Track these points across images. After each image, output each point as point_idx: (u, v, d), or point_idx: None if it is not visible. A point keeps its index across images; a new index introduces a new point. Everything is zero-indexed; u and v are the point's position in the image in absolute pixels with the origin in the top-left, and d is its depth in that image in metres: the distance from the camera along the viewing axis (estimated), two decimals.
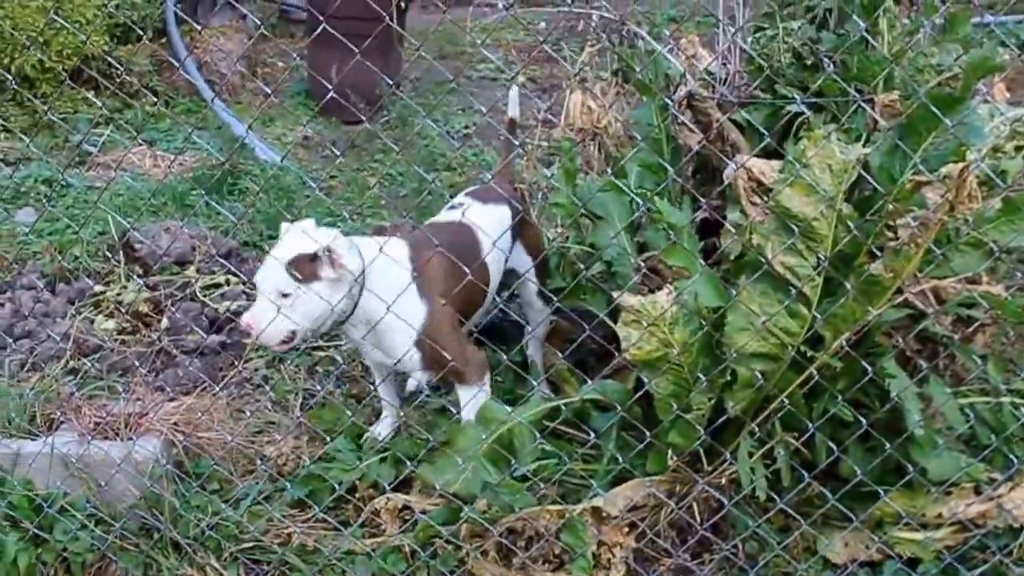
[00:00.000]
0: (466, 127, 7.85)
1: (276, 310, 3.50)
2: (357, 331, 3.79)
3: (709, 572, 3.50)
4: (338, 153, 7.40)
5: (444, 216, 4.29)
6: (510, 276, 4.31)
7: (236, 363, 4.82)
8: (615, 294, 3.37)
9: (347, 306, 3.65)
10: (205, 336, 5.06)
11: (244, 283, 5.45)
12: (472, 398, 3.90)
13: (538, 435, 3.52)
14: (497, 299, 4.26)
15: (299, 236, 3.60)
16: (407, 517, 3.69)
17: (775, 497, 3.34)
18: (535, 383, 3.88)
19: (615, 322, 3.37)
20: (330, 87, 7.39)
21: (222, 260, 5.54)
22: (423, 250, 3.80)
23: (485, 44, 9.61)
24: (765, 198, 3.24)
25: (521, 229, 4.30)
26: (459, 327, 3.92)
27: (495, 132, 7.64)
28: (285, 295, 3.50)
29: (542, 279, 4.37)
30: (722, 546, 3.48)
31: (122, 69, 6.87)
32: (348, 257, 3.53)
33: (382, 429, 4.25)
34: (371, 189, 6.89)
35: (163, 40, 9.18)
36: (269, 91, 8.86)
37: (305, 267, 3.51)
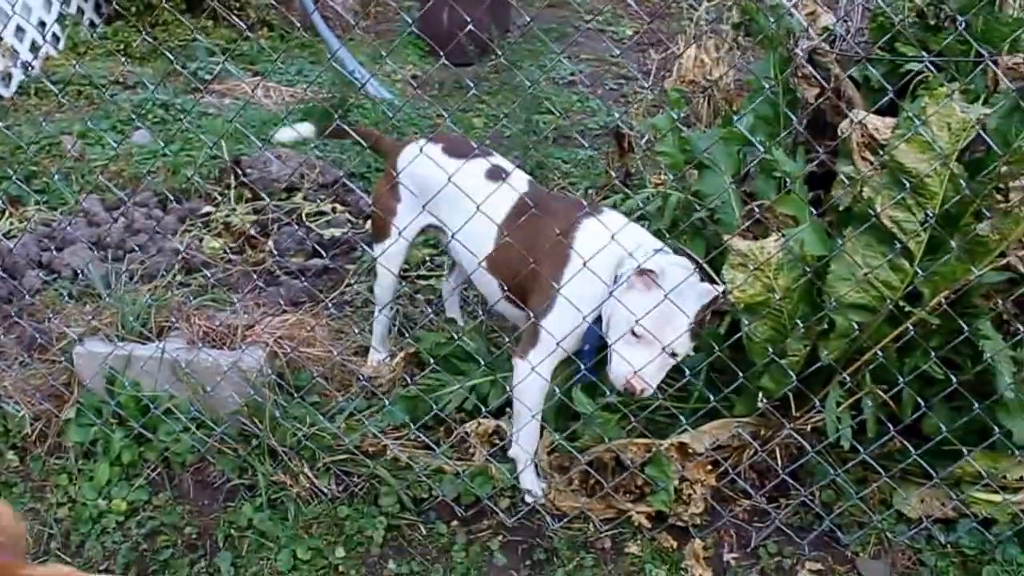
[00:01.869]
0: (572, 74, 7.91)
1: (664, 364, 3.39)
2: None
3: (784, 516, 3.58)
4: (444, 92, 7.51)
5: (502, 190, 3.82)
6: None
7: (337, 287, 4.99)
8: (725, 238, 3.42)
9: None
10: (307, 259, 5.25)
11: (350, 212, 5.65)
12: None
13: None
14: None
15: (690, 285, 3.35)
16: (496, 442, 3.84)
17: (858, 448, 3.38)
18: None
19: (713, 268, 3.44)
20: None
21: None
22: None
23: None
24: (879, 153, 3.28)
25: None
26: None
27: (600, 81, 7.76)
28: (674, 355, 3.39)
29: None
30: (800, 491, 3.57)
31: (240, 2, 7.05)
32: None
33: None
34: (475, 129, 7.00)
35: None
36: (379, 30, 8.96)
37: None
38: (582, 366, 3.50)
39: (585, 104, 7.44)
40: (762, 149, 3.65)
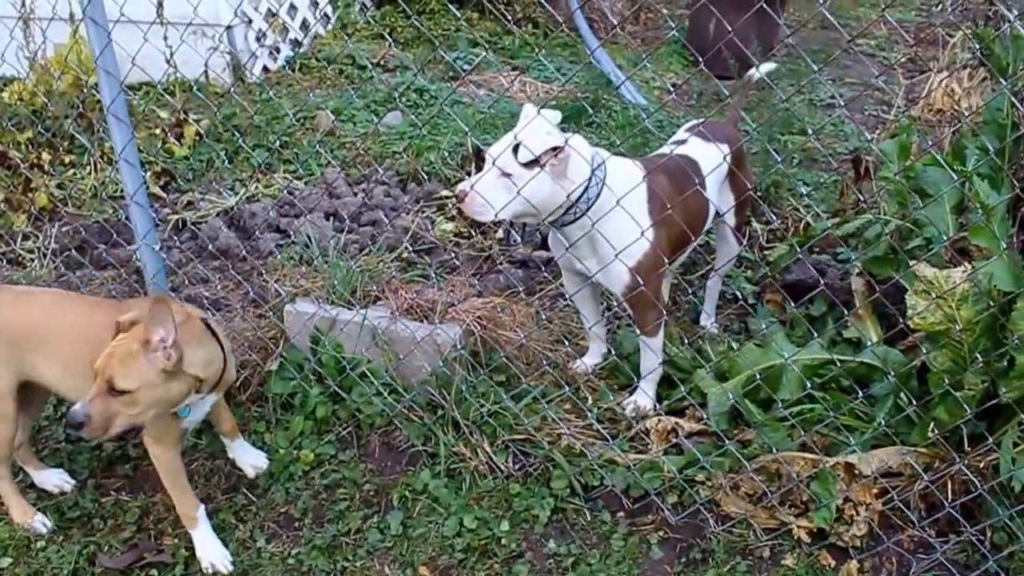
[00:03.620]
0: (832, 97, 7.84)
1: (497, 186, 3.56)
2: (577, 236, 3.78)
3: (950, 552, 3.51)
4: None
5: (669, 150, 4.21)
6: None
7: (554, 279, 5.10)
8: (911, 263, 3.40)
9: (564, 204, 3.63)
10: (530, 250, 5.39)
11: None
12: (649, 347, 4.07)
13: (807, 383, 3.61)
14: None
15: (541, 125, 3.57)
16: (671, 439, 3.92)
17: None
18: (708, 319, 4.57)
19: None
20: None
21: None
22: (657, 176, 3.82)
23: (870, 20, 9.53)
24: None
25: (732, 170, 4.27)
26: (663, 266, 3.92)
27: (861, 106, 7.66)
28: (506, 174, 3.54)
29: (740, 218, 4.48)
30: (968, 529, 3.49)
31: None
32: (575, 160, 3.57)
33: (589, 360, 4.49)
34: None
35: None
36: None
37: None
38: None
39: (838, 128, 7.36)
40: (957, 180, 3.59)
